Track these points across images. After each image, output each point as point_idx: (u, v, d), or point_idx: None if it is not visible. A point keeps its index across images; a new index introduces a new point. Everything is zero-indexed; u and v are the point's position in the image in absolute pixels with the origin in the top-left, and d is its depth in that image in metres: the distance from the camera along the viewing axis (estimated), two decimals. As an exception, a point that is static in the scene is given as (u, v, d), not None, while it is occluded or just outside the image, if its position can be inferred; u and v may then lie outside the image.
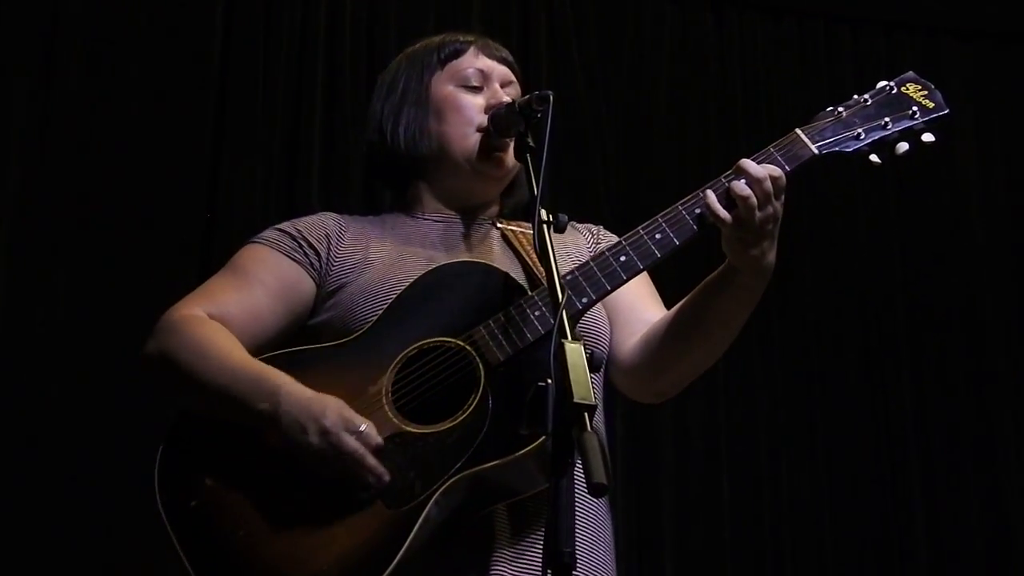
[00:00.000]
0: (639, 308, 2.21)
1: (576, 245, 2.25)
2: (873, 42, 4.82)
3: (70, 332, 3.65)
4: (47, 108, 3.81)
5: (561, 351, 1.63)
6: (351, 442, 1.85)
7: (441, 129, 2.23)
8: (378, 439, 1.86)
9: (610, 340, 2.20)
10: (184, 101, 3.96)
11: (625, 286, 2.09)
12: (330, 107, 4.07)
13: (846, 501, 4.30)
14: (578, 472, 1.58)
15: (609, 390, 2.23)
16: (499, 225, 2.26)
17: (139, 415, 3.50)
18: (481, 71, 2.27)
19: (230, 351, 2.01)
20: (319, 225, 2.22)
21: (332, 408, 1.88)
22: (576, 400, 1.56)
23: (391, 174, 2.32)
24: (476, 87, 2.25)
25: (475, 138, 2.21)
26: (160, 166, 3.87)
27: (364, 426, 1.86)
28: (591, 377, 1.62)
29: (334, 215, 2.27)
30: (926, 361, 4.53)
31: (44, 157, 3.77)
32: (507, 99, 2.21)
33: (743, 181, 1.96)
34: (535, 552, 1.92)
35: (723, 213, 1.96)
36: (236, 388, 1.94)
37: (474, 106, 2.23)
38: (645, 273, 2.20)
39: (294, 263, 2.16)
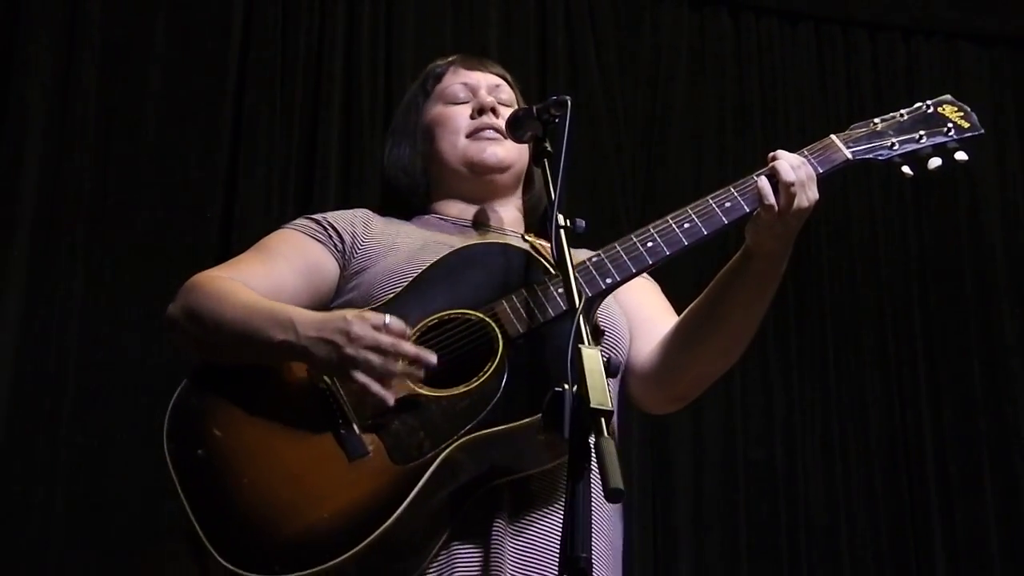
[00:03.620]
0: (656, 320, 2.23)
1: None
2: (891, 47, 4.81)
3: (87, 336, 3.67)
4: (64, 114, 3.82)
5: (578, 356, 1.63)
6: (384, 339, 1.86)
7: (432, 147, 2.31)
8: (404, 323, 1.89)
9: (628, 351, 2.20)
10: (201, 107, 3.98)
11: (643, 300, 2.15)
12: (348, 113, 4.08)
13: (863, 508, 4.28)
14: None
15: (623, 404, 2.22)
16: (527, 238, 2.27)
17: (155, 421, 3.54)
18: (466, 84, 2.33)
19: (247, 294, 2.04)
20: (347, 216, 2.26)
21: (351, 314, 1.90)
22: (593, 405, 1.56)
23: (404, 208, 2.36)
24: (464, 101, 2.32)
25: (463, 143, 2.27)
26: (177, 173, 3.89)
27: (388, 319, 1.88)
28: (608, 383, 1.62)
29: (365, 209, 2.32)
30: (943, 366, 4.51)
31: (61, 163, 3.78)
32: (490, 100, 2.28)
33: (786, 164, 2.00)
34: (536, 528, 1.94)
35: (772, 199, 1.98)
36: (253, 324, 1.96)
37: (460, 116, 2.29)
38: (659, 289, 2.28)
39: (319, 244, 2.19)
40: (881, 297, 4.54)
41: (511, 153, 2.26)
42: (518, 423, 1.85)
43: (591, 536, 1.55)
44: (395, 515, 1.81)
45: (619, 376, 2.18)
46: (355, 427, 1.90)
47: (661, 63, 4.55)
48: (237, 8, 4.07)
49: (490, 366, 1.92)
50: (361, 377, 1.87)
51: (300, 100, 4.06)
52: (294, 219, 2.27)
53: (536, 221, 2.34)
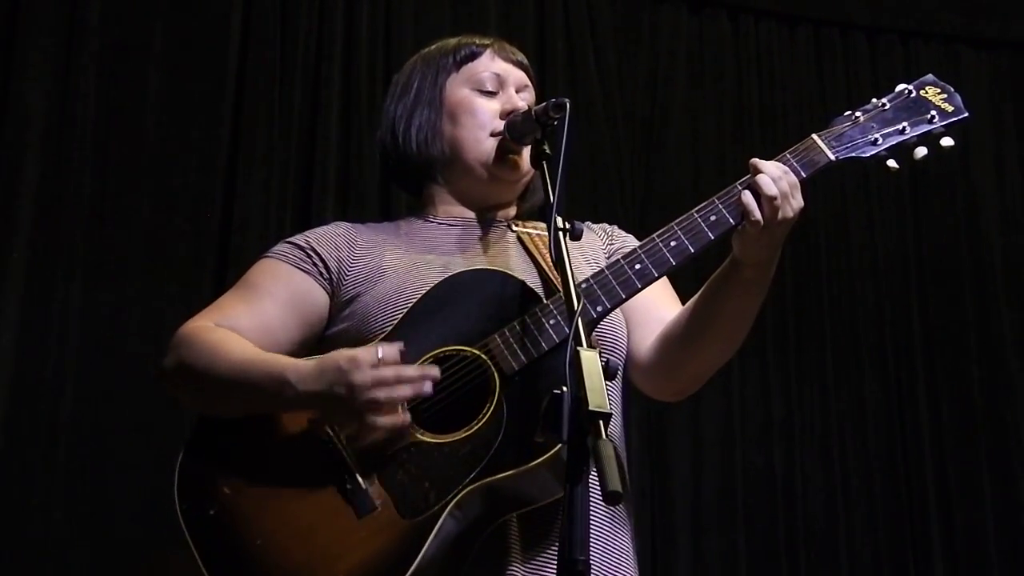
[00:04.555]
0: (655, 308, 2.20)
1: (591, 246, 2.25)
2: (889, 50, 4.81)
3: (86, 338, 3.67)
4: (63, 118, 3.81)
5: (576, 359, 1.62)
6: (386, 374, 1.83)
7: (455, 133, 2.23)
8: (396, 349, 1.85)
9: (627, 342, 2.19)
10: (200, 110, 3.97)
11: None
12: (347, 117, 4.08)
13: (862, 511, 4.28)
14: (592, 481, 1.58)
15: (626, 399, 2.22)
16: (514, 228, 2.25)
17: (153, 425, 3.54)
18: (497, 75, 2.27)
19: (238, 345, 2.01)
20: (330, 235, 2.21)
21: (343, 363, 1.85)
22: (591, 408, 1.56)
23: (404, 176, 2.32)
24: (491, 92, 2.25)
25: (489, 143, 2.20)
26: (176, 175, 3.89)
27: (380, 351, 1.84)
28: (607, 386, 1.61)
29: (346, 224, 2.27)
30: (942, 369, 4.51)
31: (60, 165, 3.78)
32: (522, 104, 2.22)
33: (767, 178, 1.95)
34: (549, 570, 1.92)
35: (757, 214, 1.95)
36: (250, 382, 1.94)
37: (488, 111, 2.22)
38: None
39: (304, 274, 2.15)
40: (880, 300, 4.54)
41: (526, 162, 2.20)
42: (522, 468, 1.83)
43: (589, 539, 1.54)
44: (409, 572, 1.80)
45: (618, 375, 2.16)
46: (360, 481, 1.89)
47: (660, 66, 4.55)
48: (236, 10, 4.06)
49: (488, 407, 1.90)
50: (371, 421, 1.85)
51: (299, 103, 4.05)
52: (276, 244, 2.21)
53: (527, 211, 2.31)
